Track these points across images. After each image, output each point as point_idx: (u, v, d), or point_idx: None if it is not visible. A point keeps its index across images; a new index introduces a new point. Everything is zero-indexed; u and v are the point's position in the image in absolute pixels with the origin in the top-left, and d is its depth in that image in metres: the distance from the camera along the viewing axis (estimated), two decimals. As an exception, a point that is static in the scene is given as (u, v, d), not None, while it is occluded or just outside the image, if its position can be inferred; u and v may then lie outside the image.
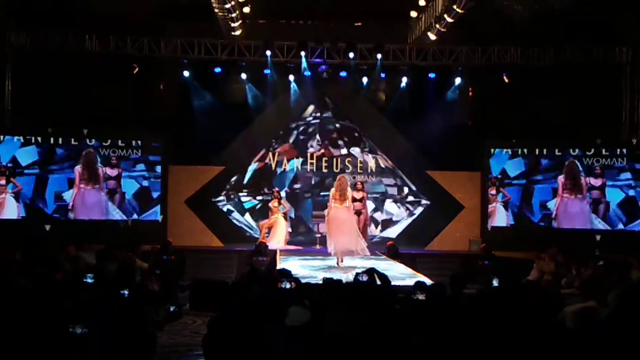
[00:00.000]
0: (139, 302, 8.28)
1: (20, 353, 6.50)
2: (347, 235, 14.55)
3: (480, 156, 19.53)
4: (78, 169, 18.69)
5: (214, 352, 6.97)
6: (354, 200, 17.71)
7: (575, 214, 18.95)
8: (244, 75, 19.58)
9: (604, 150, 18.59)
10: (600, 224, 18.67)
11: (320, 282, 9.47)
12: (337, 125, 20.59)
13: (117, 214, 18.96)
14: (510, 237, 18.67)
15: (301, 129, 20.54)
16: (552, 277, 13.44)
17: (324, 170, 20.22)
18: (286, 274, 8.16)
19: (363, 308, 7.11)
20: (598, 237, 14.66)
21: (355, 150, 20.48)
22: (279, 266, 14.39)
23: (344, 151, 20.47)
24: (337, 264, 14.56)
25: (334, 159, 20.36)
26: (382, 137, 20.45)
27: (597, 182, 18.79)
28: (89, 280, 8.85)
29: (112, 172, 18.94)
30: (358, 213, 17.69)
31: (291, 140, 20.49)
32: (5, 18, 18.02)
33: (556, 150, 18.99)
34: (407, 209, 20.40)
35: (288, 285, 7.74)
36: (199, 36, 18.82)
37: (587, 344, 6.93)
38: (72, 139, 18.51)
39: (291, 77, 19.73)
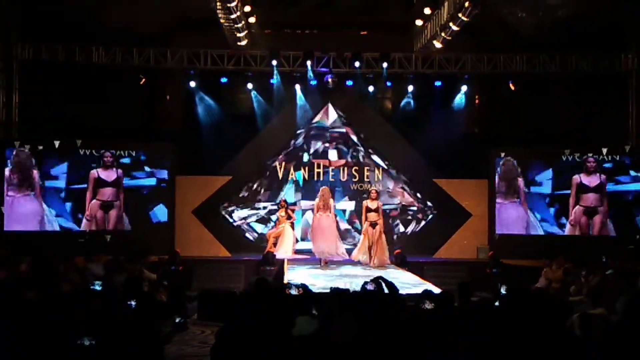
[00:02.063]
0: (147, 313, 8.26)
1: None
2: (328, 241, 16.49)
3: (486, 164, 19.49)
4: (7, 172, 17.14)
5: (222, 362, 6.95)
6: (369, 210, 17.08)
7: (512, 221, 18.74)
8: (250, 85, 19.63)
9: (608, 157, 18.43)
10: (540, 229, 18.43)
11: (327, 290, 9.45)
12: (344, 133, 20.57)
13: (55, 224, 17.52)
14: (518, 245, 18.59)
15: (308, 138, 20.52)
16: (559, 285, 13.41)
17: (331, 180, 20.17)
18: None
19: (371, 317, 7.08)
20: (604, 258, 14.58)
21: (362, 159, 20.45)
22: (286, 276, 14.42)
23: (350, 160, 20.44)
24: (321, 264, 16.44)
25: (341, 168, 20.35)
26: (389, 145, 20.40)
27: (591, 180, 18.13)
28: (97, 288, 8.85)
29: (109, 174, 17.82)
30: (373, 225, 16.95)
31: (298, 150, 20.47)
32: (11, 31, 18.09)
33: (563, 157, 18.67)
34: (415, 217, 20.36)
35: (295, 292, 7.74)
36: (205, 47, 18.85)
37: (596, 352, 6.90)
38: (78, 150, 18.30)
39: (297, 87, 19.75)
